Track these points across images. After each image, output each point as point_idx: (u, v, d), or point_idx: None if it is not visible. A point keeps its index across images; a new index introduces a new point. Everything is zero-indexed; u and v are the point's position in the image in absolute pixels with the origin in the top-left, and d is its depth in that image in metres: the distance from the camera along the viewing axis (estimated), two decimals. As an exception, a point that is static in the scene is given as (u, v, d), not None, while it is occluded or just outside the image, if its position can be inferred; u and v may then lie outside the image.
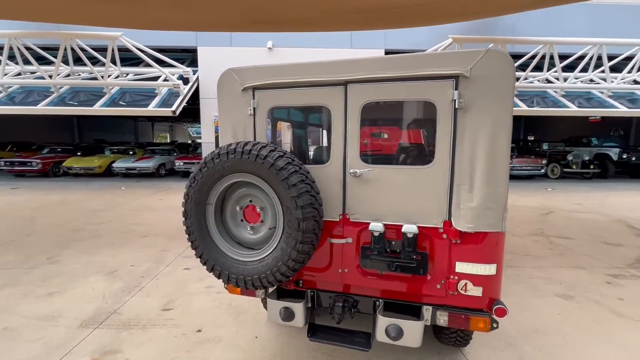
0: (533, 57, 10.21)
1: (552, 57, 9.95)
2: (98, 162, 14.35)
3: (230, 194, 2.06)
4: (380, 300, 2.03)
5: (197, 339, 2.90)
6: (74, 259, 4.71)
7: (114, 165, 14.12)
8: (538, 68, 10.52)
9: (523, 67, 10.51)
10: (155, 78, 11.46)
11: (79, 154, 15.76)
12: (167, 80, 11.14)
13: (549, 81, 10.86)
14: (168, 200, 9.28)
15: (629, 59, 10.73)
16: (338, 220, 2.05)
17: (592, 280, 4.19)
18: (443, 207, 1.86)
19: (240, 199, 2.06)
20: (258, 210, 1.99)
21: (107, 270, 4.32)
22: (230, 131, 2.23)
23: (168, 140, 39.65)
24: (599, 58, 10.37)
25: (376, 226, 1.90)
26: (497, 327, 1.86)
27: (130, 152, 16.25)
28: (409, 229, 1.85)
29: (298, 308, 2.01)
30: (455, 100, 1.77)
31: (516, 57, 9.54)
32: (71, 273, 4.23)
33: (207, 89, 12.60)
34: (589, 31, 11.72)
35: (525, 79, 10.45)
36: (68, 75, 11.04)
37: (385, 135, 2.43)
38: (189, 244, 2.05)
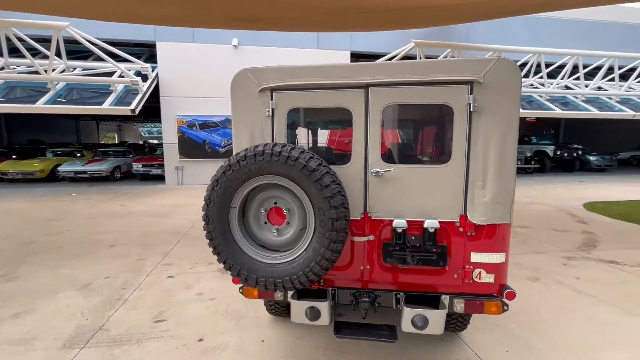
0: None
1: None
2: (39, 165, 12.87)
3: (253, 197, 2.03)
4: (401, 293, 2.13)
5: (201, 348, 2.79)
6: (35, 275, 4.23)
7: (59, 169, 12.75)
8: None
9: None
10: (108, 74, 10.58)
11: (14, 157, 14.01)
12: (123, 77, 10.35)
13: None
14: (131, 206, 8.64)
15: (561, 67, 12.15)
16: (359, 218, 2.11)
17: (551, 263, 4.73)
18: (459, 202, 2.02)
19: (264, 201, 2.04)
20: (284, 211, 1.99)
21: (79, 285, 3.95)
22: (246, 133, 2.18)
23: (116, 141, 36.65)
24: (538, 65, 11.63)
25: (400, 223, 2.00)
26: (507, 310, 2.06)
27: (78, 155, 14.81)
28: (431, 224, 1.97)
29: (324, 307, 2.04)
30: (470, 104, 1.93)
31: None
32: (36, 290, 3.80)
33: (168, 87, 11.92)
34: (529, 40, 13.06)
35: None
36: (2, 68, 9.77)
37: (405, 137, 2.56)
38: (211, 249, 1.98)
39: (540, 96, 12.20)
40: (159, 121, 13.09)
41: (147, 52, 12.79)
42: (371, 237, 2.11)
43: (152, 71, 11.44)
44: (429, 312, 1.95)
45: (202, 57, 11.90)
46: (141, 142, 30.65)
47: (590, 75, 12.29)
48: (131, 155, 14.84)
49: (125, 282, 4.02)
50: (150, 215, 7.62)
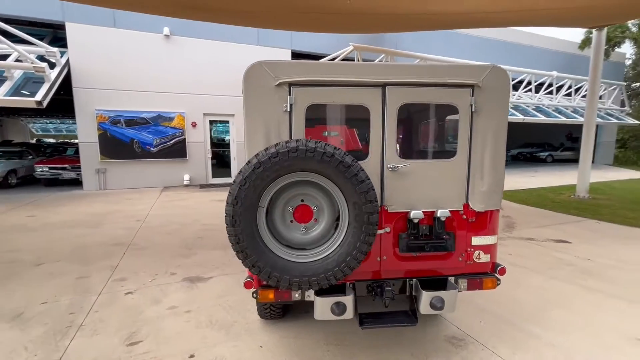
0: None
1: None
2: None
3: (280, 195, 1.95)
4: (414, 279, 2.29)
5: (195, 365, 2.55)
6: None
7: None
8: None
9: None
10: (2, 57, 8.66)
11: None
12: (22, 61, 8.59)
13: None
14: (45, 217, 7.23)
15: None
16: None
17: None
18: (463, 192, 2.26)
19: (291, 199, 1.97)
20: (313, 208, 1.95)
21: (8, 315, 3.20)
22: (261, 129, 2.06)
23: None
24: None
25: (417, 214, 2.15)
26: (499, 284, 2.38)
27: (-51, 157, 11.72)
28: (443, 213, 2.17)
29: (349, 301, 2.07)
30: (472, 105, 2.17)
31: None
32: (-58, 330, 2.96)
33: (83, 77, 10.26)
34: (445, 52, 14.79)
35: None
36: None
37: (417, 134, 2.71)
38: (237, 252, 1.83)
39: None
40: (61, 116, 10.93)
41: (50, 33, 10.78)
42: (387, 229, 2.22)
43: (61, 57, 9.72)
44: (444, 294, 2.14)
45: (126, 46, 10.53)
46: (34, 141, 25.66)
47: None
48: (30, 157, 12.34)
49: (71, 306, 3.40)
50: (74, 226, 6.51)
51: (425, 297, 2.14)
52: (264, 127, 2.06)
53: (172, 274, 4.23)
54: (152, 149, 11.02)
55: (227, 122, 12.55)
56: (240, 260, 1.89)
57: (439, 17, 6.24)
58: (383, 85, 2.11)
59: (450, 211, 2.24)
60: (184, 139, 11.56)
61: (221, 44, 11.64)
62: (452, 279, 2.32)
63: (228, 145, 12.82)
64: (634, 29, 16.63)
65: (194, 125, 11.67)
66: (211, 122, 12.29)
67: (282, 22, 6.65)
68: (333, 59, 11.48)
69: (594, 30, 9.20)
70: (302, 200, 1.97)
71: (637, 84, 27.26)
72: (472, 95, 2.17)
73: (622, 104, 19.75)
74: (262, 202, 1.84)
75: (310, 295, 2.19)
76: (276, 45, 12.42)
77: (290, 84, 2.04)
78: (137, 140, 10.75)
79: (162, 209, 8.22)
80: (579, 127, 12.41)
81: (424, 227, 2.23)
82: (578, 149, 10.35)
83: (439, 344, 2.76)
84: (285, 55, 12.79)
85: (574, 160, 15.95)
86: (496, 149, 2.24)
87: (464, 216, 2.27)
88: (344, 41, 12.17)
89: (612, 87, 18.58)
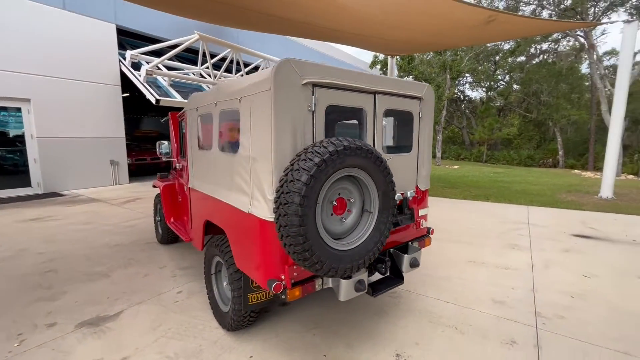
0: (224, 59, 12.06)
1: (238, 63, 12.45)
2: None
3: (328, 190, 2.00)
4: (392, 249, 2.85)
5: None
6: None
7: None
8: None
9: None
10: None
11: None
12: None
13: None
14: None
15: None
16: None
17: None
18: (414, 177, 3.00)
19: (333, 193, 2.06)
20: (349, 200, 2.12)
21: None
22: (289, 127, 1.96)
23: None
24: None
25: (397, 196, 2.69)
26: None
27: None
28: (411, 194, 2.82)
29: (365, 276, 2.36)
30: (419, 112, 2.93)
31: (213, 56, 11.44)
32: None
33: None
34: (282, 54, 16.01)
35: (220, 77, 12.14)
36: None
37: (393, 133, 3.11)
38: (300, 252, 1.76)
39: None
40: None
41: None
42: None
43: None
44: (417, 254, 2.83)
45: None
46: None
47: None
48: None
49: None
50: None
51: (406, 259, 2.76)
52: (292, 125, 2.03)
53: (49, 325, 3.04)
54: None
55: (19, 109, 8.93)
56: (300, 261, 1.85)
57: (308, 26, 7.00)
58: (374, 93, 2.52)
59: (410, 192, 2.95)
60: None
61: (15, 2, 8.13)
62: (411, 243, 3.06)
63: (20, 142, 9.17)
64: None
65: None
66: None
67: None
68: (175, 46, 10.29)
69: (389, 57, 12.62)
70: (339, 194, 2.13)
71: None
72: (420, 105, 2.94)
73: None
74: (319, 198, 1.87)
75: (327, 282, 2.36)
76: (93, 16, 9.85)
77: (314, 85, 2.11)
78: None
79: None
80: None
81: (399, 207, 2.84)
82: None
83: (387, 300, 3.49)
84: (108, 30, 10.33)
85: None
86: (429, 144, 3.12)
87: (416, 195, 3.04)
88: (186, 28, 11.13)
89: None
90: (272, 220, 2.03)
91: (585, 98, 27.37)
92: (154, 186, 5.33)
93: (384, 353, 2.63)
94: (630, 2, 18.16)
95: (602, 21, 19.27)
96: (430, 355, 2.60)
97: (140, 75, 9.54)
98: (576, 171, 20.22)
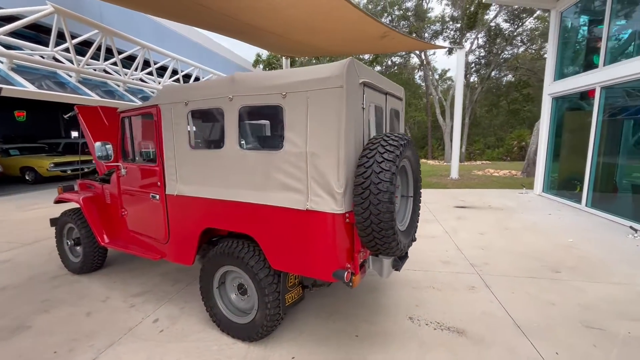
0: (88, 43, 9.90)
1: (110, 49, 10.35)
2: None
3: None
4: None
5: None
6: None
7: None
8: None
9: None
10: None
11: None
12: None
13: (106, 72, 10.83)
14: None
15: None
16: None
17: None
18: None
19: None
20: (398, 186, 2.38)
21: None
22: (352, 123, 2.03)
23: None
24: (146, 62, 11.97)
25: None
26: None
27: None
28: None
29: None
30: (402, 109, 3.43)
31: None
32: None
33: None
34: (155, 41, 13.87)
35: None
36: None
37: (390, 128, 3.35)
38: (387, 242, 1.94)
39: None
40: None
41: None
42: None
43: None
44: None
45: None
46: None
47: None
48: None
49: None
50: None
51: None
52: (353, 122, 2.15)
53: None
54: None
55: None
56: (385, 244, 2.01)
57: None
58: (386, 94, 2.84)
59: None
60: None
61: None
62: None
63: None
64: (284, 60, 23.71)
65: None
66: None
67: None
68: (17, 18, 7.76)
69: (284, 58, 13.01)
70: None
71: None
72: (402, 104, 3.44)
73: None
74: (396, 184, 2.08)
75: (370, 265, 2.59)
76: None
77: (365, 84, 2.28)
78: None
79: None
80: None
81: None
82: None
83: (372, 279, 3.92)
84: None
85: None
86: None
87: None
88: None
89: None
90: (341, 212, 2.12)
91: (422, 102, 34.95)
92: (59, 201, 4.10)
93: (400, 319, 3.04)
94: (443, 34, 24.30)
95: (448, 45, 24.84)
96: (433, 312, 3.17)
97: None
98: (423, 160, 25.84)
